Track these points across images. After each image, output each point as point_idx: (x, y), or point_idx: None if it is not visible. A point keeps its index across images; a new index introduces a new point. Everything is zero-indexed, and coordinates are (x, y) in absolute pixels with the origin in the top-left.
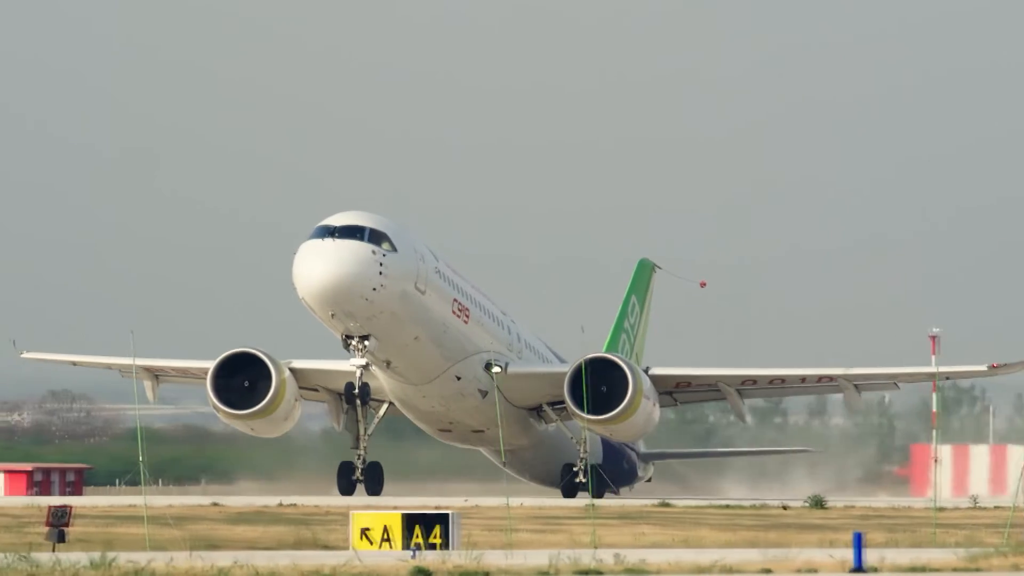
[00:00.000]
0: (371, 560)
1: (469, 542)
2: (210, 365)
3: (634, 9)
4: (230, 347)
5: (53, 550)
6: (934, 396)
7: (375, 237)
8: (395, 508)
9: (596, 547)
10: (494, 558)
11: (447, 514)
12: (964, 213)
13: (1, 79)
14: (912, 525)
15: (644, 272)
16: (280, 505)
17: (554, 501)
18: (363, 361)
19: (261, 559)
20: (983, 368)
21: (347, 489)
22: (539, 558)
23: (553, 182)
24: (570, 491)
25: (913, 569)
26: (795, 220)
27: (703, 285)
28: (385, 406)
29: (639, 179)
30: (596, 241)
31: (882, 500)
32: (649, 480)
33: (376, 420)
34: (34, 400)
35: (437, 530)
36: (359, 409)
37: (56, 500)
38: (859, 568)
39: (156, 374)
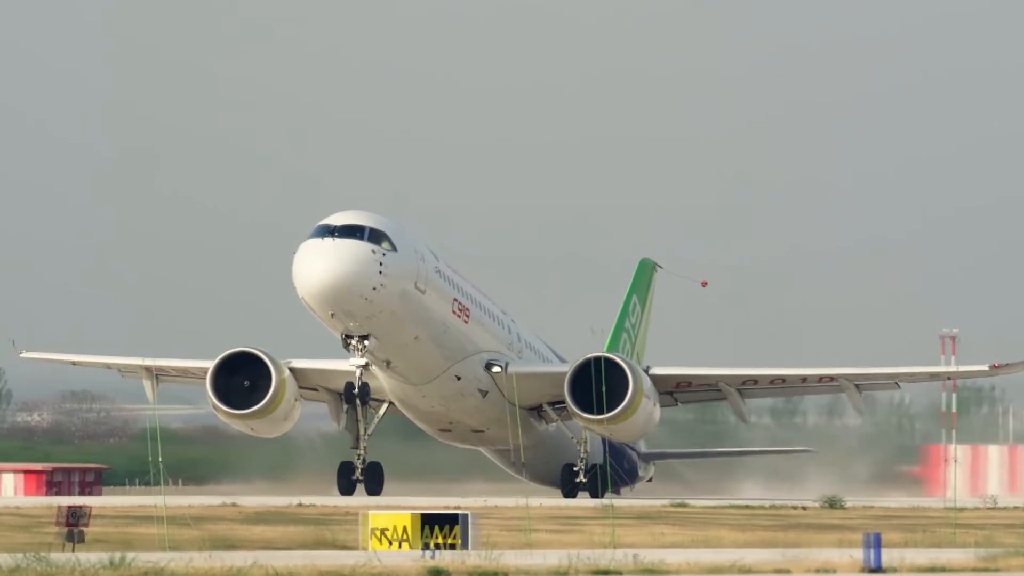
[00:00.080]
0: (388, 560)
1: (488, 542)
2: (210, 365)
3: (634, 9)
4: (230, 347)
5: (70, 550)
6: (952, 396)
7: (375, 236)
8: (413, 508)
9: (614, 547)
10: (512, 558)
11: (463, 514)
12: (964, 213)
13: (1, 79)
14: (929, 525)
15: (645, 272)
16: (299, 505)
17: (572, 501)
18: (363, 361)
19: (278, 559)
20: (984, 368)
21: (347, 489)
22: (557, 558)
23: (553, 182)
24: (570, 491)
25: (931, 569)
26: (795, 220)
27: (704, 284)
28: (385, 406)
29: (639, 179)
30: (596, 241)
31: (898, 500)
32: (650, 480)
33: (376, 420)
34: (52, 400)
35: (455, 530)
36: (359, 409)
37: (73, 500)
38: (877, 568)
39: (156, 374)
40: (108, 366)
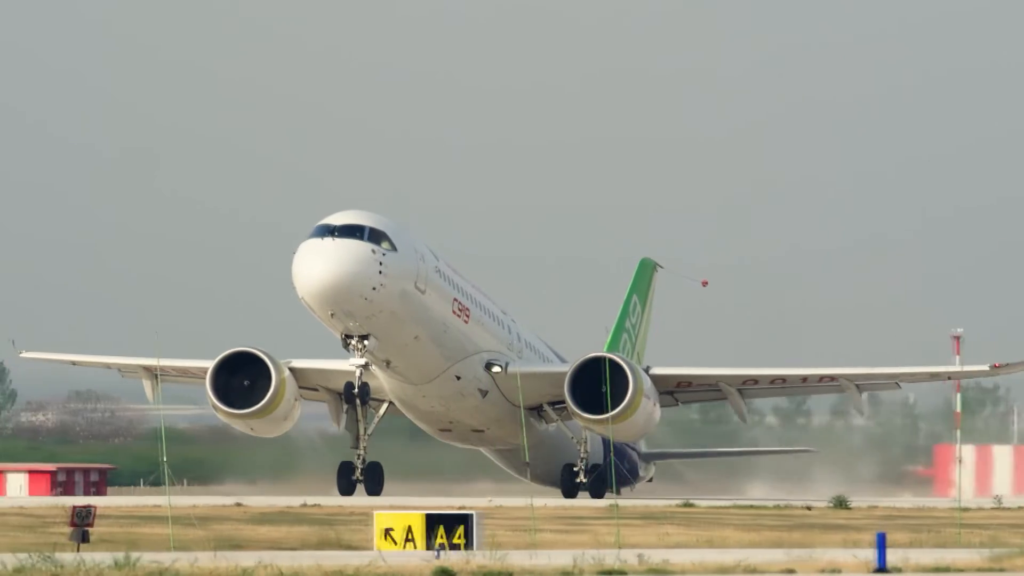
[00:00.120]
0: (395, 560)
1: (493, 542)
2: (210, 365)
3: (634, 9)
4: (230, 347)
5: (77, 550)
6: (957, 396)
7: (375, 236)
8: (418, 508)
9: (620, 547)
10: (517, 558)
11: (469, 514)
12: (964, 213)
13: (1, 79)
14: (936, 525)
15: (645, 271)
16: (303, 505)
17: (578, 502)
18: (363, 361)
19: (285, 559)
20: (985, 368)
21: (347, 489)
22: (563, 558)
23: (553, 182)
24: (571, 491)
25: (937, 569)
26: (795, 220)
27: (704, 284)
28: (385, 406)
29: (639, 179)
30: (596, 241)
31: (905, 500)
32: (650, 480)
33: (376, 420)
34: (58, 400)
35: (460, 530)
36: (359, 409)
37: (80, 500)
38: (882, 568)
39: (156, 374)
40: (108, 366)
